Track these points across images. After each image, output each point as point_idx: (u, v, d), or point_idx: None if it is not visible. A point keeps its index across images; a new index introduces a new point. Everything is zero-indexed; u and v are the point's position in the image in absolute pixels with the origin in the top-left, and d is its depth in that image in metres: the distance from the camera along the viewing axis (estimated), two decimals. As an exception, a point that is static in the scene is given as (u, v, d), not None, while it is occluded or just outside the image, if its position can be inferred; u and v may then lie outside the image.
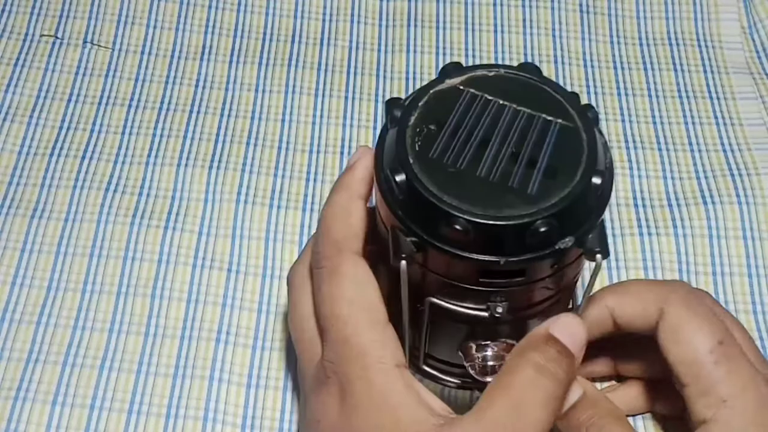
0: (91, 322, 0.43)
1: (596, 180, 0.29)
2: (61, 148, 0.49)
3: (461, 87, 0.32)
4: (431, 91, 0.32)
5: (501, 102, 0.31)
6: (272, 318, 0.44)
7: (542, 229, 0.28)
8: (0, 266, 0.44)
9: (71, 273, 0.44)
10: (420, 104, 0.31)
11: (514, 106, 0.31)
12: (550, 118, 0.31)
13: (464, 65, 0.33)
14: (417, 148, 0.30)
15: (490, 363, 0.33)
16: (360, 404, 0.32)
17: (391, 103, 0.32)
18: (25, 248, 0.45)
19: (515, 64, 0.52)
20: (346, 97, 0.51)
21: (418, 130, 0.31)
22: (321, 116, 0.50)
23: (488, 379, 0.32)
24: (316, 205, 0.47)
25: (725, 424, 0.33)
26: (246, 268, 0.45)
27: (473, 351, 0.33)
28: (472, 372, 0.33)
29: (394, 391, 0.32)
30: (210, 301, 0.44)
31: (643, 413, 0.40)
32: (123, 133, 0.49)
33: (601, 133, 0.31)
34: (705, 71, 0.53)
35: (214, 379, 0.42)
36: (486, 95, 0.32)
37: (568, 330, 0.32)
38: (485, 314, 0.31)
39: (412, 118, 0.31)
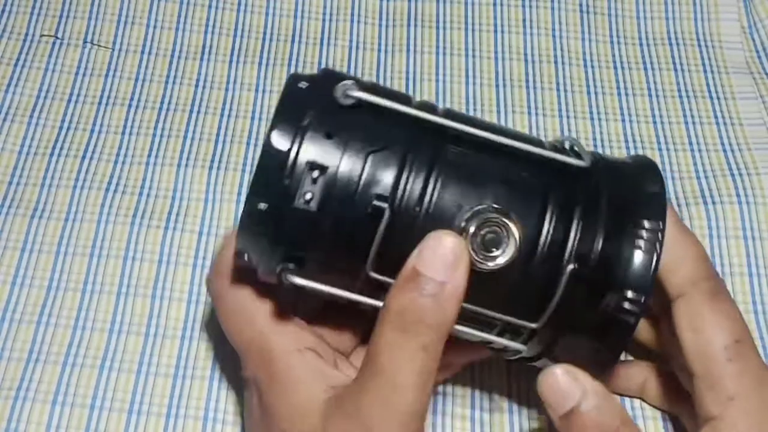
0: (91, 322, 0.43)
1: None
2: (61, 148, 0.49)
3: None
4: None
5: None
6: (272, 318, 0.44)
7: None
8: (0, 266, 0.44)
9: (71, 273, 0.44)
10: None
11: None
12: None
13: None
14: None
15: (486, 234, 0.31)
16: (265, 396, 0.33)
17: None
18: (25, 248, 0.45)
19: (515, 64, 0.52)
20: (346, 97, 0.51)
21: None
22: (321, 116, 0.50)
23: (495, 252, 0.31)
24: (316, 205, 0.47)
25: (732, 424, 0.32)
26: (246, 268, 0.45)
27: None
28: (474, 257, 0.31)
29: (293, 375, 0.32)
30: (210, 302, 0.44)
31: (633, 397, 0.41)
32: (123, 133, 0.49)
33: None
34: (705, 71, 0.53)
35: (214, 379, 0.42)
36: None
37: (437, 256, 0.30)
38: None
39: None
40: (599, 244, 0.32)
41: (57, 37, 0.53)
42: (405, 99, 0.33)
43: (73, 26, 0.54)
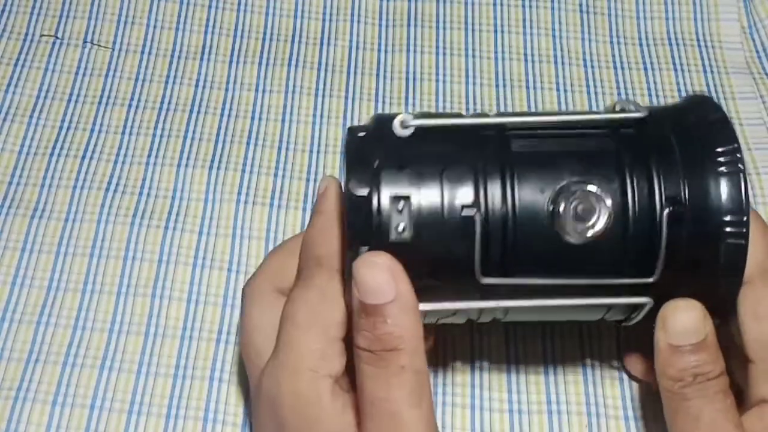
0: (91, 322, 0.43)
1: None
2: (61, 148, 0.49)
3: None
4: None
5: None
6: (272, 318, 0.44)
7: None
8: (0, 266, 0.44)
9: (71, 273, 0.44)
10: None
11: None
12: None
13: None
14: None
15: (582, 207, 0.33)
16: (284, 406, 0.33)
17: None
18: (25, 248, 0.45)
19: (515, 64, 0.52)
20: (346, 97, 0.51)
21: None
22: (321, 116, 0.50)
23: (591, 221, 0.32)
24: (317, 205, 0.47)
25: None
26: (246, 268, 0.45)
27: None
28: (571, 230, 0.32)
29: (319, 397, 0.32)
30: (210, 301, 0.44)
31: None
32: (123, 133, 0.49)
33: None
34: (705, 71, 0.53)
35: (214, 379, 0.42)
36: None
37: (371, 280, 0.31)
38: None
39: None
40: (684, 182, 0.32)
41: (57, 37, 0.53)
42: (457, 115, 0.35)
43: (73, 26, 0.54)
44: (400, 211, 0.32)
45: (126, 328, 0.43)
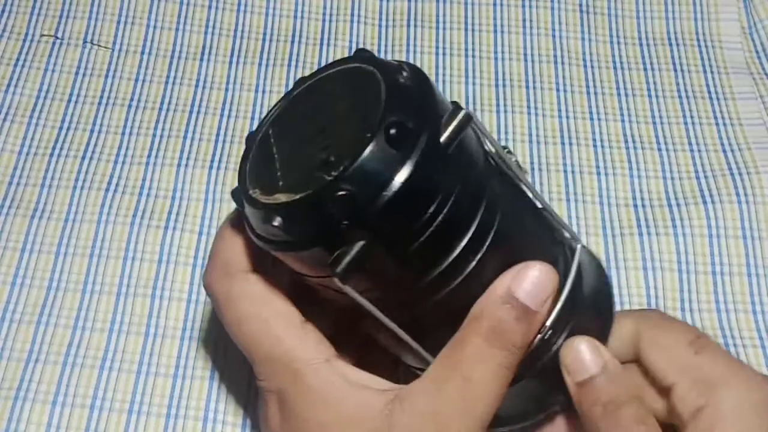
0: (91, 322, 0.43)
1: (392, 131, 0.28)
2: (61, 149, 0.49)
3: (293, 95, 0.33)
4: (275, 107, 0.33)
5: (321, 89, 0.32)
6: (272, 318, 0.44)
7: (340, 194, 0.27)
8: (0, 266, 0.45)
9: (71, 273, 0.44)
10: (268, 119, 0.32)
11: (333, 87, 0.31)
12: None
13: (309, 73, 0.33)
14: (255, 162, 0.31)
15: None
16: (298, 410, 0.32)
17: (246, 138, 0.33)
18: (25, 248, 0.45)
19: (515, 64, 0.52)
20: (346, 97, 0.51)
21: (260, 145, 0.32)
22: (321, 116, 0.50)
23: None
24: (316, 205, 0.47)
25: (717, 408, 0.32)
26: (246, 268, 0.45)
27: None
28: None
29: (332, 386, 0.32)
30: (210, 301, 0.44)
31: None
32: (123, 133, 0.49)
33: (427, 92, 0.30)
34: (705, 71, 0.53)
35: (214, 379, 0.42)
36: (306, 98, 0.32)
37: (533, 286, 0.31)
38: None
39: (259, 135, 0.32)
40: None
41: (57, 37, 0.53)
42: None
43: (73, 26, 0.54)
44: None
45: (126, 328, 0.43)
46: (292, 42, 0.53)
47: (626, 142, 0.50)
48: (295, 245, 0.29)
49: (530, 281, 0.31)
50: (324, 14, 0.55)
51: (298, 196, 0.28)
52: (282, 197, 0.29)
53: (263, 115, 0.34)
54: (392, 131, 0.27)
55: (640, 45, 0.54)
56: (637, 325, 0.35)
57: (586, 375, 0.33)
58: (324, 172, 0.28)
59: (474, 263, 0.30)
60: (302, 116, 0.32)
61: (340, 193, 0.27)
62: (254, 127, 0.50)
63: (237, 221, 0.34)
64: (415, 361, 0.34)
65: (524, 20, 0.54)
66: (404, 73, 0.30)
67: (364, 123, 0.28)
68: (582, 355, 0.33)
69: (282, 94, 0.52)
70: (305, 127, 0.31)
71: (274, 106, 0.33)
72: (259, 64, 0.52)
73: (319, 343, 0.33)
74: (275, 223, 0.28)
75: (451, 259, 0.30)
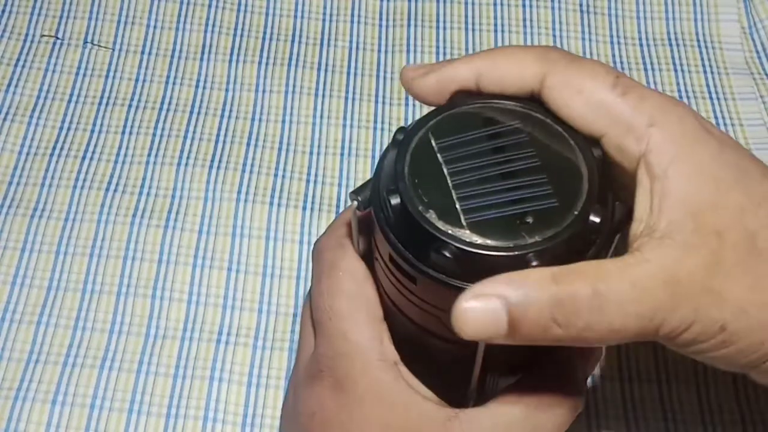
0: (91, 322, 0.43)
1: (594, 218, 0.28)
2: (62, 148, 0.49)
3: (472, 112, 0.31)
4: (441, 116, 0.31)
5: (510, 131, 0.31)
6: (272, 317, 0.44)
7: (533, 263, 0.27)
8: (0, 266, 0.44)
9: (71, 273, 0.44)
10: (428, 125, 0.31)
11: (523, 137, 0.30)
12: (555, 149, 0.30)
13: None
14: (415, 170, 0.29)
15: None
16: (364, 401, 0.32)
17: (398, 130, 0.31)
18: (25, 248, 0.45)
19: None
20: (346, 98, 0.51)
21: (420, 152, 0.30)
22: (321, 116, 0.50)
23: None
24: (317, 204, 0.47)
25: (661, 145, 0.29)
26: (246, 267, 0.45)
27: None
28: None
29: (399, 390, 0.32)
30: (210, 302, 0.44)
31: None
32: (123, 133, 0.49)
33: (604, 172, 0.30)
34: (705, 72, 0.52)
35: (214, 379, 0.42)
36: (497, 124, 0.31)
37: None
38: None
39: (415, 139, 0.30)
40: None
41: (57, 38, 0.53)
42: None
43: (73, 26, 0.54)
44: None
45: (126, 328, 0.43)
46: (292, 42, 0.53)
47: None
48: (454, 276, 0.28)
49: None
50: (324, 14, 0.55)
51: (496, 254, 0.27)
52: (468, 235, 0.28)
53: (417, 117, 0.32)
54: (592, 219, 0.28)
55: (640, 45, 0.54)
56: (541, 66, 0.30)
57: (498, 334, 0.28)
58: (524, 232, 0.28)
59: None
60: (476, 142, 0.30)
61: (533, 263, 0.27)
62: (254, 127, 0.50)
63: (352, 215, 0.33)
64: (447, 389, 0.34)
65: (524, 20, 0.54)
66: (596, 151, 0.30)
67: (564, 198, 0.28)
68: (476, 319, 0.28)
69: (282, 94, 0.53)
70: (484, 160, 0.30)
71: (434, 111, 0.32)
72: (259, 64, 0.52)
73: (391, 344, 0.33)
74: (446, 254, 0.28)
75: None
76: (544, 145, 0.30)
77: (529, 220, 0.28)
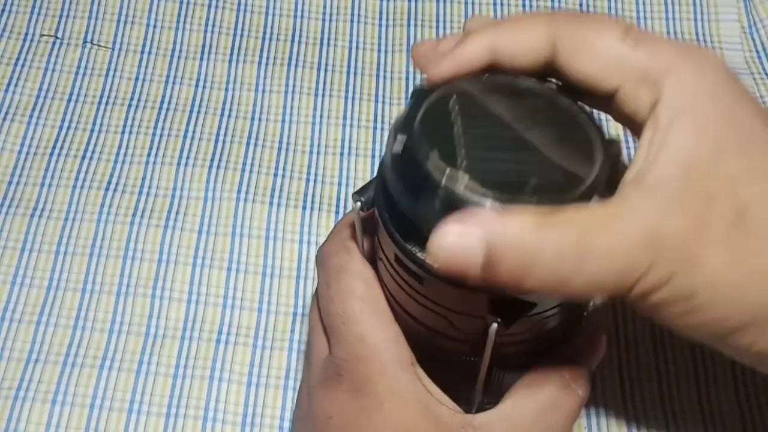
0: (90, 322, 0.43)
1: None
2: (61, 148, 0.49)
3: (496, 84, 0.30)
4: (464, 83, 0.30)
5: (532, 109, 0.30)
6: (272, 317, 0.44)
7: None
8: (0, 266, 0.44)
9: (71, 273, 0.44)
10: (447, 87, 0.30)
11: (542, 117, 0.30)
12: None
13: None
14: (427, 120, 0.29)
15: None
16: (383, 403, 0.31)
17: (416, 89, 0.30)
18: (25, 248, 0.45)
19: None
20: (346, 97, 0.51)
21: (436, 108, 0.29)
22: (321, 116, 0.50)
23: None
24: (317, 204, 0.47)
25: (671, 97, 0.28)
26: (246, 266, 0.45)
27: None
28: None
29: (417, 390, 0.31)
30: (210, 301, 0.44)
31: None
32: (123, 132, 0.49)
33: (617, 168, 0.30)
34: (705, 71, 0.52)
35: (214, 379, 0.42)
36: (521, 97, 0.30)
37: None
38: None
39: (434, 96, 0.30)
40: None
41: (57, 37, 0.53)
42: None
43: (73, 26, 0.54)
44: None
45: (126, 328, 0.43)
46: (292, 41, 0.53)
47: (627, 142, 0.50)
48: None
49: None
50: (324, 14, 0.55)
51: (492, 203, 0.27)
52: (467, 181, 0.27)
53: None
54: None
55: (640, 45, 0.54)
56: (549, 28, 0.29)
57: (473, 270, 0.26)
58: (525, 196, 0.27)
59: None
60: (495, 113, 0.30)
61: None
62: (254, 127, 0.50)
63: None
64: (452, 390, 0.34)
65: (524, 20, 0.54)
66: (614, 147, 0.29)
67: (570, 180, 0.28)
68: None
69: (282, 94, 0.53)
70: (499, 130, 0.29)
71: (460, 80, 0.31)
72: (259, 64, 0.52)
73: (405, 347, 0.32)
74: (440, 202, 0.27)
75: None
76: (565, 127, 0.30)
77: (531, 189, 0.27)
